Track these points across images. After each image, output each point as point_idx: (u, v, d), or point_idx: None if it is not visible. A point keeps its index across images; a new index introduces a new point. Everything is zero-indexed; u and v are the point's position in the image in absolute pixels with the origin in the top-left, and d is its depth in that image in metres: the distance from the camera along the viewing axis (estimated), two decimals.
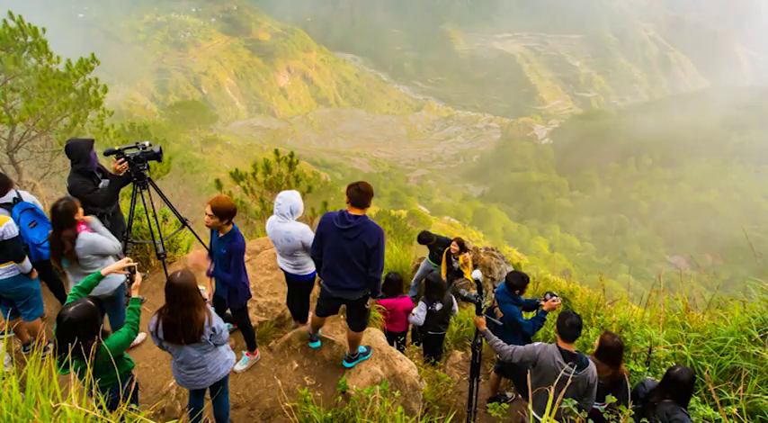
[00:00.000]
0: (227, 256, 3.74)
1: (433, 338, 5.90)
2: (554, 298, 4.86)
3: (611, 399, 3.28)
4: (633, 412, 3.31)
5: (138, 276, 3.33)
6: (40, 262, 4.38)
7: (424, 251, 7.88)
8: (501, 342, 4.00)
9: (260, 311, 5.06)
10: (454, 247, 7.00)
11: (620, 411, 3.28)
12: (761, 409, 3.66)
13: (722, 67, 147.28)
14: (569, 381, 3.52)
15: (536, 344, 3.82)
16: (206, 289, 3.62)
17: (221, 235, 3.78)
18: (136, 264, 3.43)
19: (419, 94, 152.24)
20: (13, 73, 7.74)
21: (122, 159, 4.65)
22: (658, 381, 3.71)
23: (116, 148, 4.69)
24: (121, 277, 4.00)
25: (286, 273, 4.53)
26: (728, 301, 4.81)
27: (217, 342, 3.31)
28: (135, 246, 5.87)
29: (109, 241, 3.91)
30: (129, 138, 13.79)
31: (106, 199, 4.60)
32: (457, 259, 7.08)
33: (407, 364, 4.53)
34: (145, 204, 5.05)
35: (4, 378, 2.43)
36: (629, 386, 3.79)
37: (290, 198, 4.30)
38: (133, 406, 2.67)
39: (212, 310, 3.37)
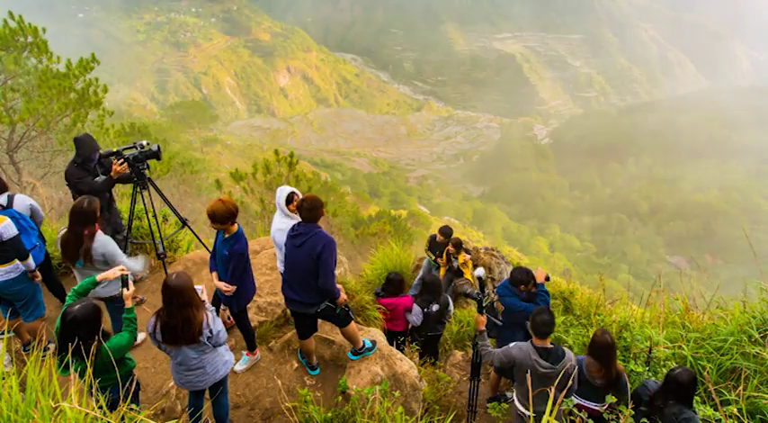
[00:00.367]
0: (229, 257, 3.74)
1: (431, 339, 5.90)
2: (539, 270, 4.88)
3: (610, 399, 3.28)
4: (633, 412, 3.31)
5: (131, 287, 3.28)
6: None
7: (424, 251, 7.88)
8: (489, 347, 3.97)
9: (260, 311, 5.05)
10: (450, 247, 7.02)
11: (621, 411, 3.27)
12: (761, 409, 3.66)
13: (722, 67, 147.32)
14: (569, 382, 3.52)
15: (511, 345, 3.80)
16: (203, 289, 3.62)
17: (227, 236, 3.78)
18: (129, 273, 3.35)
19: (419, 94, 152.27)
20: (13, 73, 7.75)
21: (122, 161, 4.66)
22: (659, 381, 3.70)
23: (114, 149, 4.71)
24: (119, 285, 3.99)
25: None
26: (728, 301, 4.81)
27: (215, 343, 3.31)
28: (135, 246, 5.87)
29: (119, 251, 3.93)
30: (129, 138, 13.79)
31: (94, 187, 4.73)
32: (456, 258, 7.09)
33: (407, 364, 4.53)
34: (145, 204, 5.06)
35: (4, 378, 2.43)
36: (628, 385, 3.78)
37: (277, 194, 4.44)
38: (133, 406, 2.66)
39: (212, 311, 3.37)
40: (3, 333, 4.31)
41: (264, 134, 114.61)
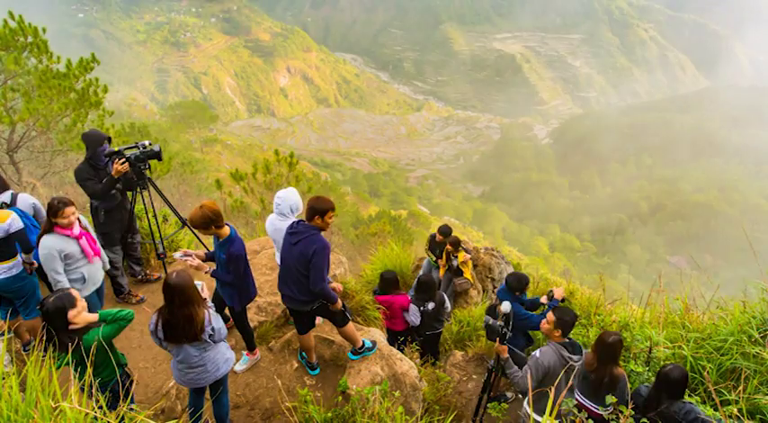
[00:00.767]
0: (227, 261, 3.75)
1: (431, 338, 5.93)
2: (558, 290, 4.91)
3: (611, 399, 3.27)
4: (633, 412, 3.30)
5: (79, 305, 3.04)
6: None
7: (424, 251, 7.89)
8: (519, 373, 3.91)
9: (260, 311, 5.05)
10: (448, 246, 7.03)
11: (621, 411, 3.27)
12: (761, 409, 3.66)
13: (722, 67, 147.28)
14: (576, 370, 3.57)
15: (537, 357, 3.73)
16: (203, 286, 3.61)
17: (220, 240, 3.78)
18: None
19: (419, 94, 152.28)
20: (13, 73, 7.74)
21: (123, 160, 4.66)
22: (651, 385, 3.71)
23: (116, 149, 4.70)
24: (86, 292, 4.00)
25: None
26: (728, 301, 4.80)
27: (216, 340, 3.32)
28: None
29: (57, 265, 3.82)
30: (129, 138, 13.79)
31: (95, 191, 4.67)
32: (456, 257, 7.08)
33: (407, 364, 4.52)
34: (145, 204, 5.06)
35: (4, 378, 2.43)
36: (627, 387, 3.78)
37: (288, 197, 4.31)
38: (134, 406, 2.66)
39: (213, 309, 3.38)
40: (3, 333, 4.30)
41: (264, 134, 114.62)
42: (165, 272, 4.98)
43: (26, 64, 7.85)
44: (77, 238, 3.94)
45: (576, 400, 3.81)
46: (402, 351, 5.46)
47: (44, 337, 2.87)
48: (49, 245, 3.80)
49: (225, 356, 3.48)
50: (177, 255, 3.78)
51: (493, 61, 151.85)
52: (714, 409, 3.45)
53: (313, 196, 3.90)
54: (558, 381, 3.36)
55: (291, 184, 11.29)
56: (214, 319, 3.29)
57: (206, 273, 3.82)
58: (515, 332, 4.78)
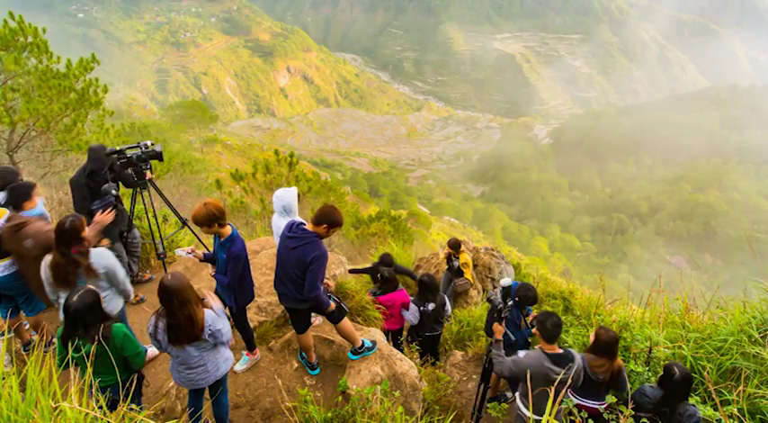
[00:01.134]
0: (227, 261, 3.75)
1: (430, 339, 5.90)
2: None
3: (611, 398, 3.28)
4: (633, 412, 3.30)
5: None
6: None
7: (425, 251, 7.89)
8: (501, 357, 3.94)
9: (260, 311, 5.05)
10: (448, 249, 7.05)
11: (621, 411, 3.27)
12: (761, 409, 3.66)
13: (722, 67, 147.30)
14: (569, 381, 3.52)
15: (521, 355, 3.76)
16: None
17: (221, 239, 3.78)
18: None
19: (419, 94, 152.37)
20: (13, 73, 7.74)
21: (124, 160, 4.66)
22: (654, 385, 3.69)
23: (117, 148, 4.69)
24: (121, 302, 3.90)
25: None
26: (728, 301, 4.80)
27: (220, 341, 3.31)
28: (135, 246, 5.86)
29: (118, 264, 3.75)
30: (130, 138, 13.79)
31: (83, 212, 4.52)
32: (457, 258, 7.08)
33: (407, 364, 4.52)
34: (145, 204, 5.05)
35: (4, 378, 2.43)
36: (627, 380, 3.78)
37: (282, 195, 4.33)
38: (133, 406, 2.66)
39: (220, 309, 3.35)
40: (3, 333, 4.30)
41: (264, 134, 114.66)
42: (165, 272, 4.98)
43: (26, 64, 7.85)
44: None
45: (577, 402, 3.81)
46: (401, 351, 5.46)
47: (63, 340, 2.97)
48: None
49: (224, 356, 3.47)
50: (180, 252, 3.78)
51: (493, 61, 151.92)
52: (714, 409, 3.45)
53: (329, 205, 3.86)
54: (556, 382, 3.35)
55: (291, 183, 11.29)
56: (221, 321, 3.27)
57: (212, 275, 3.83)
58: (516, 347, 4.68)
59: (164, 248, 5.10)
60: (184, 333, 3.12)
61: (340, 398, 3.81)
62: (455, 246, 7.06)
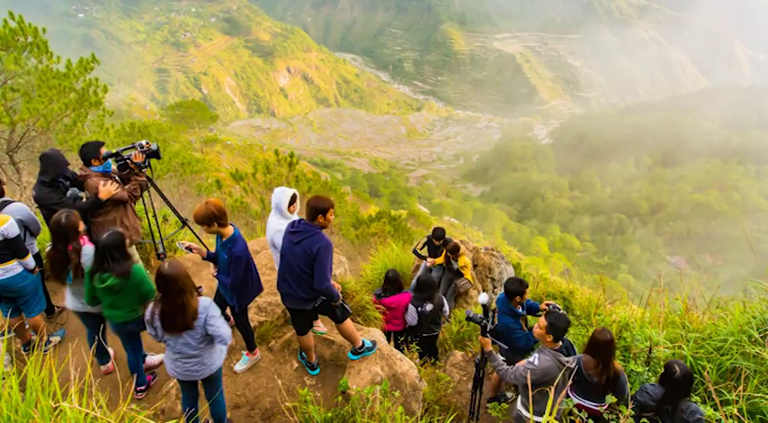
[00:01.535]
0: (228, 261, 3.75)
1: (427, 340, 5.87)
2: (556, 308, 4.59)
3: (611, 399, 3.28)
4: (633, 412, 3.30)
5: None
6: None
7: (424, 251, 7.88)
8: (503, 365, 3.93)
9: (260, 311, 5.05)
10: (447, 253, 7.04)
11: (620, 411, 3.27)
12: (761, 409, 3.66)
13: (722, 67, 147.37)
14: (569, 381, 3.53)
15: (534, 362, 3.68)
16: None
17: (224, 240, 3.79)
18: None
19: (419, 94, 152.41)
20: (13, 73, 7.74)
21: (122, 162, 4.64)
22: (656, 384, 3.69)
23: (113, 150, 4.67)
24: None
25: None
26: (728, 301, 4.80)
27: (220, 340, 3.33)
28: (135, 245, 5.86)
29: None
30: (129, 138, 13.79)
31: (89, 208, 4.44)
32: (456, 260, 7.08)
33: (407, 364, 4.52)
34: (145, 204, 5.05)
35: (4, 378, 2.42)
36: (627, 384, 3.78)
37: (276, 194, 4.37)
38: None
39: (206, 300, 3.37)
40: (3, 333, 4.31)
41: (264, 134, 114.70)
42: None
43: (26, 64, 7.84)
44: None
45: (577, 402, 3.80)
46: (402, 351, 5.46)
47: (95, 267, 3.48)
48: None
49: (220, 348, 3.52)
50: (180, 244, 3.80)
51: (493, 61, 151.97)
52: (714, 409, 3.44)
53: (313, 196, 3.90)
54: (556, 382, 3.36)
55: (291, 183, 11.30)
56: (214, 308, 3.32)
57: (213, 275, 3.86)
58: (511, 350, 4.65)
59: (164, 248, 5.09)
60: (177, 321, 3.15)
61: (340, 398, 3.81)
62: (454, 249, 7.04)
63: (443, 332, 6.64)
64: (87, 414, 2.20)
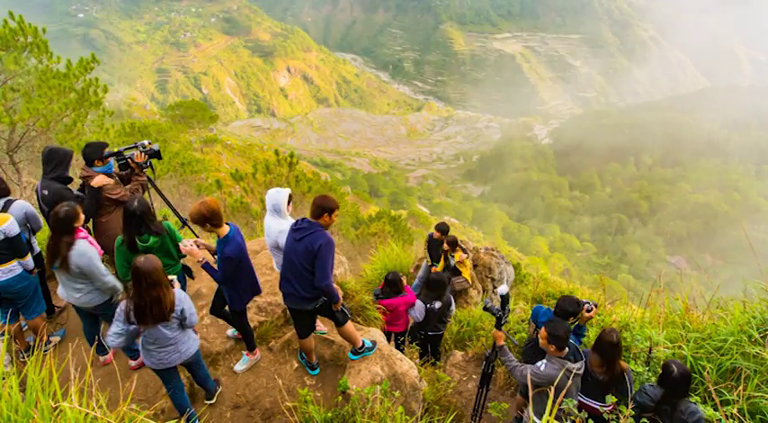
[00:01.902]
0: (220, 260, 3.77)
1: (433, 338, 5.90)
2: (591, 306, 4.27)
3: (611, 399, 3.28)
4: (633, 412, 3.31)
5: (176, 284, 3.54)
6: None
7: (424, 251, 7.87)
8: (515, 361, 3.92)
9: (260, 311, 5.05)
10: (445, 245, 6.99)
11: (620, 411, 3.27)
12: (761, 409, 3.66)
13: (722, 67, 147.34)
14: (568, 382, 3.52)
15: (542, 368, 3.65)
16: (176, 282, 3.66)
17: (219, 238, 3.80)
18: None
19: (419, 94, 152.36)
20: (13, 73, 7.73)
21: (122, 162, 4.63)
22: (656, 385, 3.70)
23: (115, 149, 4.68)
24: (99, 297, 3.98)
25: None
26: (728, 301, 4.80)
27: (188, 324, 3.46)
28: None
29: (98, 264, 3.85)
30: (130, 138, 13.77)
31: (89, 207, 4.45)
32: (453, 257, 7.05)
33: (407, 364, 4.52)
34: None
35: (4, 378, 2.42)
36: (630, 383, 3.78)
37: (273, 196, 4.34)
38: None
39: (179, 292, 3.43)
40: (3, 333, 4.30)
41: (264, 134, 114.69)
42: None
43: (26, 64, 7.84)
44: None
45: (579, 400, 3.81)
46: (402, 351, 5.46)
47: (132, 232, 3.75)
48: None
49: (193, 337, 3.66)
50: (183, 246, 3.80)
51: (493, 61, 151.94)
52: (714, 409, 3.45)
53: (320, 195, 3.90)
54: (556, 383, 3.36)
55: (291, 183, 11.31)
56: (187, 301, 3.43)
57: (198, 261, 3.78)
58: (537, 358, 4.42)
59: None
60: (151, 314, 3.23)
61: (340, 398, 3.81)
62: (452, 243, 7.00)
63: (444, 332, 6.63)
64: (87, 414, 2.20)
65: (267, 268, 5.72)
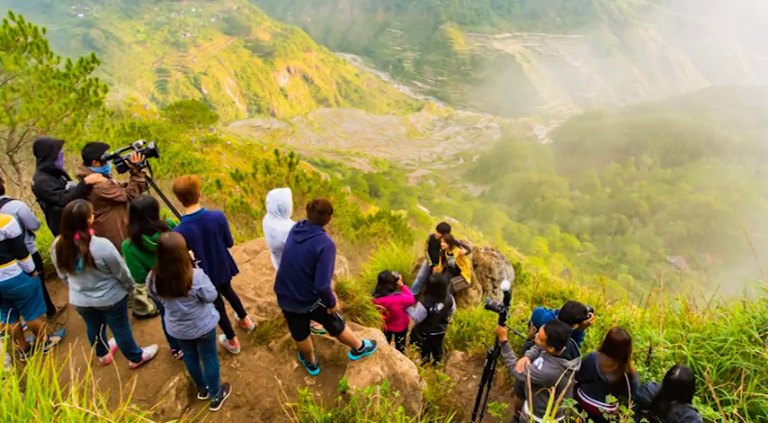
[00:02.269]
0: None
1: (435, 339, 5.92)
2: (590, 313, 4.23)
3: (611, 399, 3.28)
4: (633, 412, 3.31)
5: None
6: None
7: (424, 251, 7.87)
8: (514, 360, 3.94)
9: (260, 311, 5.05)
10: (444, 244, 6.97)
11: (620, 411, 3.28)
12: (761, 409, 3.66)
13: (722, 67, 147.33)
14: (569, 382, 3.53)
15: (538, 366, 3.68)
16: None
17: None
18: None
19: (419, 94, 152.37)
20: (13, 73, 7.73)
21: (120, 163, 4.62)
22: (658, 383, 3.71)
23: (112, 152, 4.66)
24: (122, 293, 4.03)
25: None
26: (728, 301, 4.80)
27: (203, 298, 3.61)
28: None
29: (118, 254, 3.92)
30: (130, 138, 13.77)
31: (69, 201, 4.39)
32: (452, 255, 7.04)
33: (407, 364, 4.52)
34: None
35: (4, 378, 2.42)
36: (636, 386, 3.77)
37: (277, 196, 4.30)
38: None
39: (199, 271, 3.61)
40: (3, 333, 4.30)
41: (264, 134, 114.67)
42: None
43: (26, 64, 7.83)
44: None
45: (584, 401, 3.81)
46: (402, 351, 5.46)
47: (133, 229, 3.81)
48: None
49: (211, 313, 3.80)
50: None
51: (493, 61, 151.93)
52: (714, 409, 3.45)
53: (317, 199, 3.91)
54: (557, 383, 3.37)
55: (291, 183, 11.30)
56: (203, 280, 3.60)
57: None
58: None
59: None
60: (169, 287, 3.45)
61: (340, 398, 3.81)
62: (450, 241, 6.98)
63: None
64: (87, 414, 2.20)
65: (267, 268, 5.72)
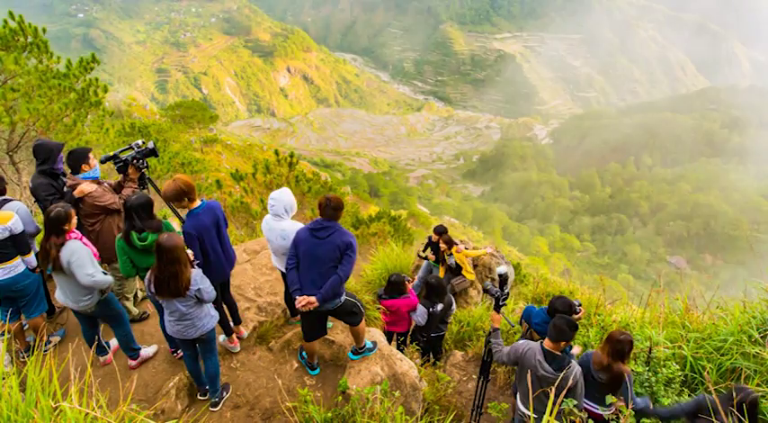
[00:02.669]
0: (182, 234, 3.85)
1: (435, 339, 5.94)
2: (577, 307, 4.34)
3: (611, 399, 3.28)
4: (633, 412, 3.31)
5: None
6: None
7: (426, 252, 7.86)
8: (500, 346, 3.96)
9: (260, 311, 5.05)
10: (442, 244, 6.98)
11: (620, 411, 3.27)
12: (761, 409, 3.66)
13: (722, 67, 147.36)
14: (557, 382, 3.52)
15: (521, 342, 3.79)
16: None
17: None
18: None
19: (419, 94, 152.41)
20: (13, 73, 7.72)
21: (120, 164, 4.60)
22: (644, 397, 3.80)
23: (111, 153, 4.65)
24: (97, 296, 3.98)
25: (282, 272, 4.52)
26: (728, 301, 4.80)
27: (202, 298, 3.62)
28: None
29: (87, 262, 3.77)
30: (130, 138, 13.77)
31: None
32: (451, 255, 7.04)
33: (407, 364, 4.52)
34: None
35: (4, 378, 2.42)
36: (631, 385, 3.77)
37: (281, 197, 4.25)
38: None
39: (197, 272, 3.61)
40: (3, 333, 4.30)
41: (264, 134, 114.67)
42: None
43: (26, 64, 7.83)
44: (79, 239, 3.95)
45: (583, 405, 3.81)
46: (402, 351, 5.46)
47: (127, 225, 3.80)
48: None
49: (210, 313, 3.80)
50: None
51: (493, 61, 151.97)
52: None
53: (329, 196, 3.96)
54: (557, 383, 3.36)
55: (291, 184, 11.30)
56: (201, 281, 3.61)
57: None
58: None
59: None
60: (168, 288, 3.46)
61: (340, 398, 3.81)
62: (448, 241, 7.00)
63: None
64: (87, 414, 2.20)
65: (267, 268, 5.72)
